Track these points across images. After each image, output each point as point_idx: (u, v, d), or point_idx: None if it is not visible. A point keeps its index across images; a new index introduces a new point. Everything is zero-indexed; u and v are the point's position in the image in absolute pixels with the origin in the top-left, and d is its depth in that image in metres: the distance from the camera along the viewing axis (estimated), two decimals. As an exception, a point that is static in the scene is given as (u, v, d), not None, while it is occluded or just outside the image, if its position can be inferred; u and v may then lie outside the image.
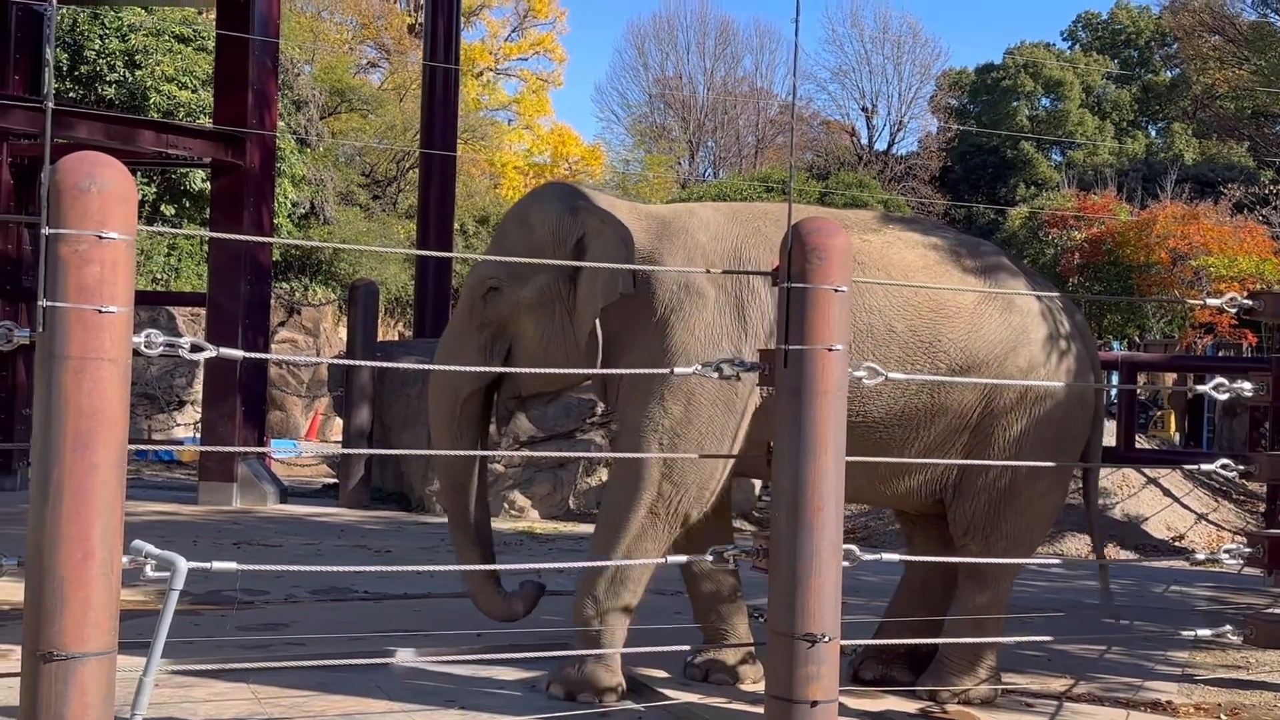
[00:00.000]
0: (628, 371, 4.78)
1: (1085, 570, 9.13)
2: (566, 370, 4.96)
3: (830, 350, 3.46)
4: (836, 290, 3.50)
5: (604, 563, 4.74)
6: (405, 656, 5.34)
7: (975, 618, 4.99)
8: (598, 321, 4.85)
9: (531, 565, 4.97)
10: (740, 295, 4.83)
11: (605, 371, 4.88)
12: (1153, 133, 45.26)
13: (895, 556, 3.90)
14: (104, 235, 2.73)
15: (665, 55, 45.31)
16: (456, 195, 15.29)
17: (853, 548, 3.54)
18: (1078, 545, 10.38)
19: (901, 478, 5.03)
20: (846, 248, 3.58)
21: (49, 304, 2.71)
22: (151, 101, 18.95)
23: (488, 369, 4.93)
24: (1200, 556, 4.61)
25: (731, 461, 4.82)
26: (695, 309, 4.80)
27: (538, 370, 4.97)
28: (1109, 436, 11.14)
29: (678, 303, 4.83)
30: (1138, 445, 11.42)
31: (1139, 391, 15.86)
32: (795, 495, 3.46)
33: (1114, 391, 12.38)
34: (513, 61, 40.43)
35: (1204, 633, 4.58)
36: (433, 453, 5.13)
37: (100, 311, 2.72)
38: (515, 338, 5.13)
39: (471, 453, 5.20)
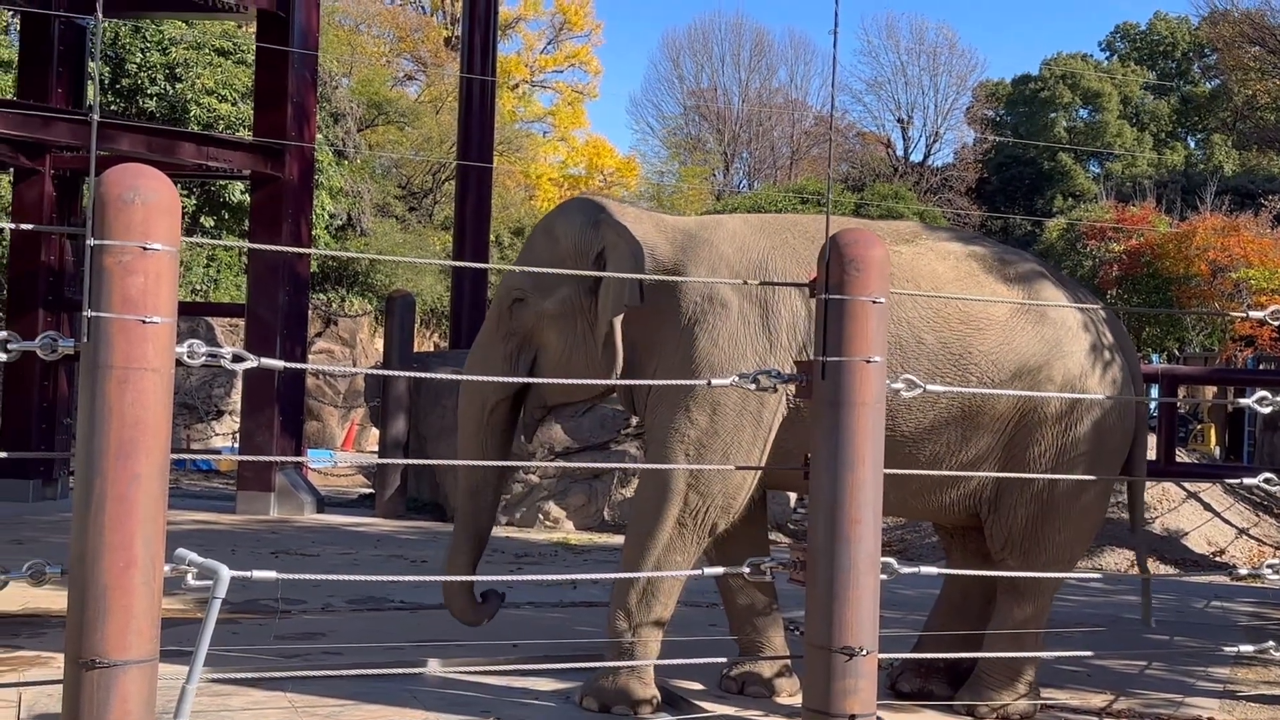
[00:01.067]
0: (664, 383, 4.79)
1: (1125, 585, 9.04)
2: (587, 381, 4.99)
3: (868, 362, 3.45)
4: (874, 302, 3.49)
5: (637, 574, 4.74)
6: (436, 667, 5.36)
7: (1014, 632, 4.95)
8: (618, 332, 4.88)
9: (566, 576, 4.97)
10: (765, 305, 4.84)
11: (634, 382, 4.91)
12: (1192, 144, 44.88)
13: (934, 570, 3.87)
14: (148, 246, 2.75)
15: (700, 67, 45.39)
16: (492, 207, 15.34)
17: (891, 561, 3.52)
18: (1117, 559, 10.28)
19: (935, 492, 5.00)
20: (884, 259, 3.57)
21: (93, 314, 2.73)
22: (192, 114, 19.12)
23: (511, 379, 4.98)
24: (1242, 572, 4.55)
25: (759, 472, 4.82)
26: (719, 319, 4.82)
27: (560, 381, 5.01)
28: (1149, 451, 11.04)
29: (701, 313, 4.84)
30: (1178, 459, 11.29)
31: (1179, 405, 15.70)
32: (833, 508, 3.45)
33: (1154, 405, 12.27)
34: (548, 74, 40.57)
35: (1246, 649, 4.52)
36: (468, 463, 5.17)
37: (144, 322, 2.74)
38: (540, 348, 5.19)
39: (505, 463, 5.24)
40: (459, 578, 4.98)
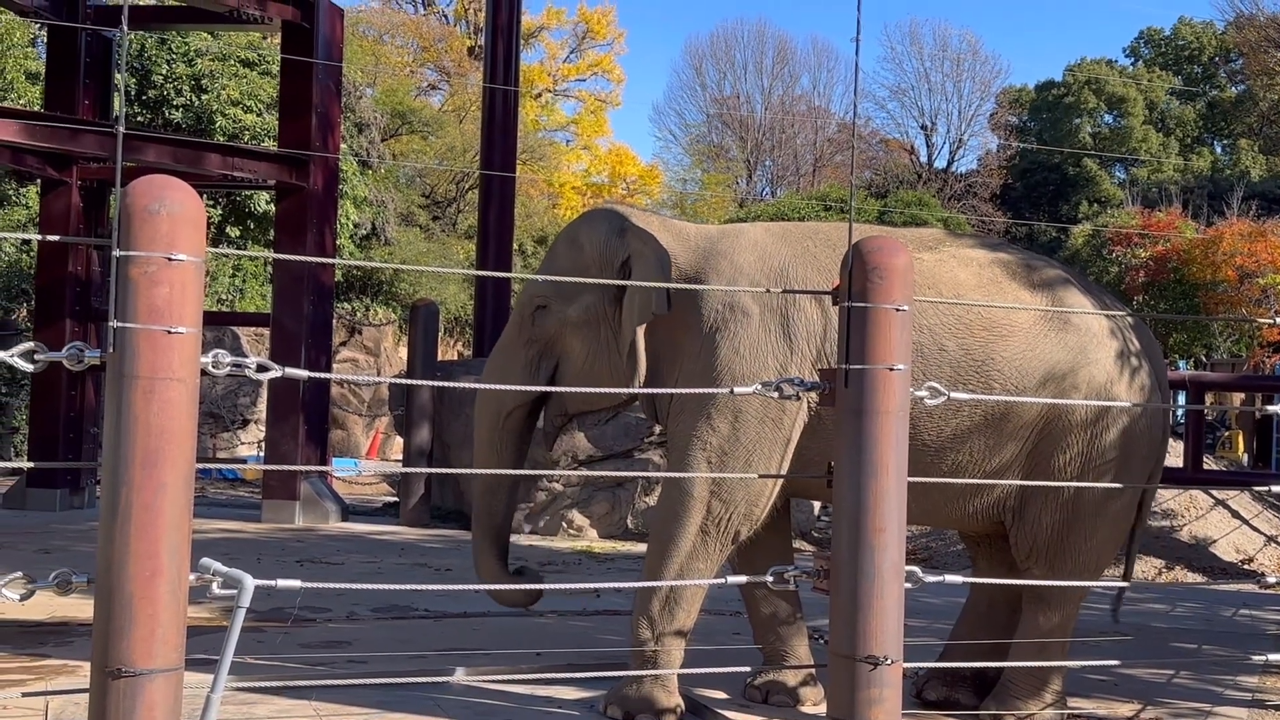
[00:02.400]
0: (686, 391, 4.79)
1: (1152, 593, 8.98)
2: (609, 389, 5.00)
3: (892, 370, 3.44)
4: (898, 309, 3.48)
5: (660, 583, 4.74)
6: (461, 675, 5.36)
7: (1040, 641, 4.92)
8: (641, 341, 4.89)
9: (589, 585, 4.96)
10: (786, 313, 4.84)
11: (656, 390, 4.91)
12: (1218, 149, 44.61)
13: (959, 578, 3.85)
14: (173, 257, 2.77)
15: (723, 75, 45.42)
16: (515, 215, 15.37)
17: (915, 569, 3.51)
18: (1144, 567, 10.21)
19: (958, 501, 4.97)
20: (908, 266, 3.55)
21: (119, 325, 2.74)
22: (217, 125, 19.26)
23: (532, 388, 4.99)
24: (1271, 579, 4.52)
25: (781, 479, 4.82)
26: (740, 327, 4.82)
27: (583, 390, 5.03)
28: (1176, 458, 10.97)
29: (722, 321, 4.85)
30: (1205, 466, 11.21)
31: (1206, 412, 15.59)
32: (856, 516, 3.43)
33: (1181, 412, 12.19)
34: (571, 82, 40.68)
35: (1274, 657, 4.48)
36: (491, 471, 5.18)
37: (169, 332, 2.75)
38: (562, 355, 5.21)
39: (529, 473, 5.26)
40: (523, 586, 4.97)
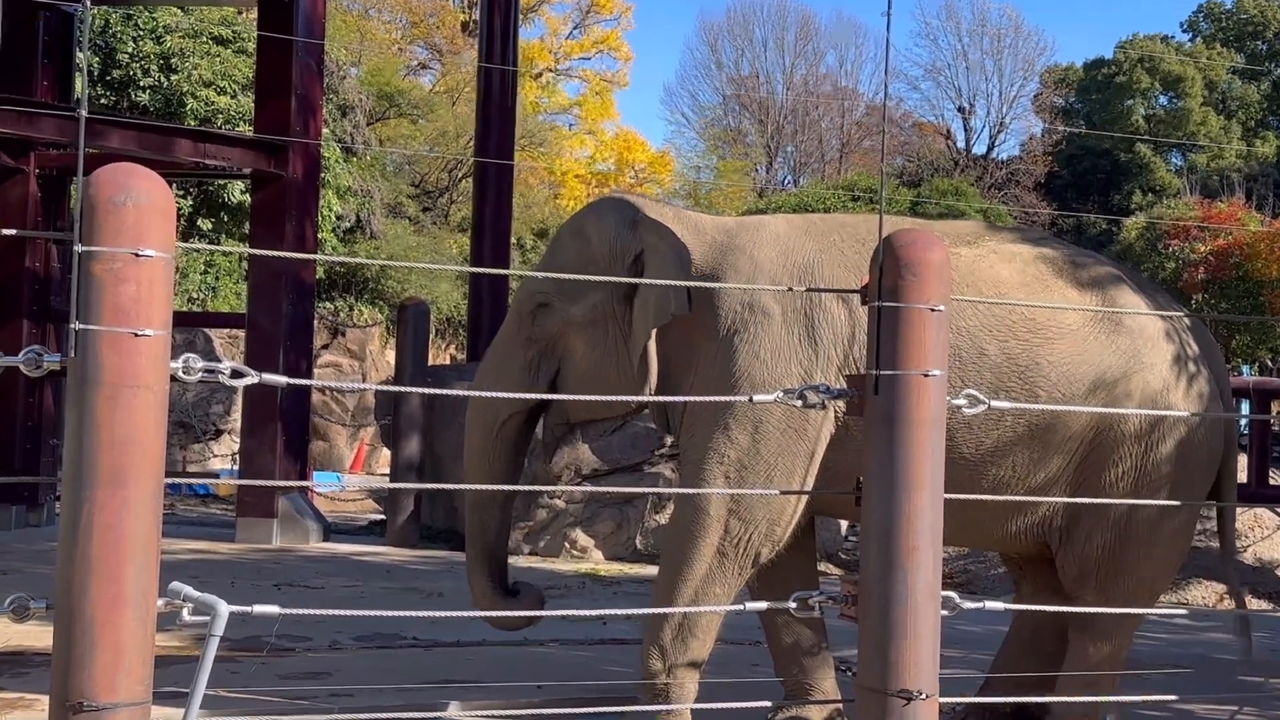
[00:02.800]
0: (701, 399, 4.78)
1: (1214, 621, 8.95)
2: (616, 397, 4.99)
3: (926, 376, 3.43)
4: (933, 309, 3.47)
5: (672, 609, 4.74)
6: (455, 710, 5.36)
7: (1090, 673, 4.91)
8: (652, 344, 4.88)
9: (594, 612, 4.96)
10: (810, 314, 4.82)
11: (669, 398, 4.90)
12: (1285, 133, 44.53)
13: (1000, 605, 3.84)
14: (140, 252, 2.78)
15: (740, 52, 45.45)
16: (514, 206, 15.40)
17: (952, 594, 3.50)
18: (1204, 592, 10.18)
19: (998, 521, 4.96)
20: (944, 263, 3.54)
21: (81, 326, 2.75)
22: (188, 108, 19.32)
23: (532, 395, 4.98)
24: (1344, 607, 4.50)
25: (806, 496, 4.81)
26: (760, 329, 4.81)
27: (588, 397, 5.02)
28: (1240, 473, 10.95)
29: (741, 323, 4.84)
30: (1271, 482, 11.19)
31: (1272, 421, 15.55)
32: (887, 535, 3.43)
33: (1244, 422, 12.16)
34: (574, 61, 40.77)
35: (1349, 692, 4.47)
36: (487, 487, 5.18)
37: (136, 335, 2.76)
38: (565, 357, 5.19)
39: (528, 488, 5.27)
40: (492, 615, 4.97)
